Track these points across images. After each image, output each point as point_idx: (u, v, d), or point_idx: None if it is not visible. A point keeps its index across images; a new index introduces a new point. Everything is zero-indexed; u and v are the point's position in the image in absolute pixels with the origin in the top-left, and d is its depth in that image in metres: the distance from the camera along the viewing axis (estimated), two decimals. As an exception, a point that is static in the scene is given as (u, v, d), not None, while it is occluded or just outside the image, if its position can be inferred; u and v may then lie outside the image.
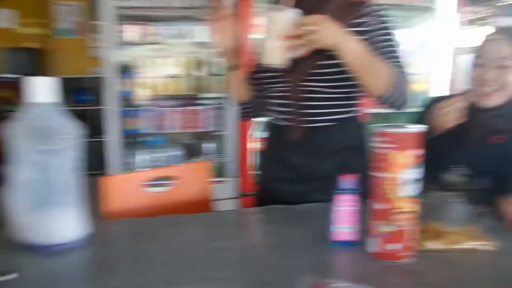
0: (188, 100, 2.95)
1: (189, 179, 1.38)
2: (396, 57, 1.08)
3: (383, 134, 0.78)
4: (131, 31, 2.79)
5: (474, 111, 1.19)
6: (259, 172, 1.35)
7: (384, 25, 1.10)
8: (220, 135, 2.93)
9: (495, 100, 1.18)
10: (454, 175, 1.21)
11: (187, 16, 2.79)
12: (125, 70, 2.78)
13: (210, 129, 2.87)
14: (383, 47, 1.07)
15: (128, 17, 2.72)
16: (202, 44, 2.85)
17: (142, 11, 2.66)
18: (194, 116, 2.83)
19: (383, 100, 1.04)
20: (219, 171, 2.85)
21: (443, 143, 1.24)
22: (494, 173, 1.14)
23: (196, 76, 2.88)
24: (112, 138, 2.59)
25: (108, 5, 2.48)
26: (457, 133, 1.22)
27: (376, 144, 0.80)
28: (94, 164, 2.66)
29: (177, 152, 2.89)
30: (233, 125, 2.73)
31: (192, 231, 0.92)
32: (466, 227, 0.87)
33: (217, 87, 2.84)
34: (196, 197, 1.39)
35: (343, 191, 0.87)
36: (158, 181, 1.32)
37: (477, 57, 1.18)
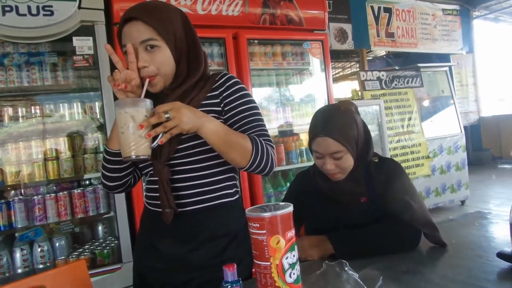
0: (70, 183, 2.68)
1: (63, 286, 1.20)
2: (257, 124, 1.12)
3: (251, 219, 0.77)
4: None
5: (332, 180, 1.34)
6: (135, 262, 1.25)
7: (240, 93, 1.14)
8: (110, 217, 2.69)
9: (340, 178, 1.33)
10: None
11: (62, 91, 2.62)
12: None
13: (99, 211, 2.63)
14: (243, 116, 1.11)
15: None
16: (80, 121, 2.68)
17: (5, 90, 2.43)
18: (78, 200, 2.56)
19: (249, 170, 1.07)
20: (113, 257, 2.59)
21: (321, 208, 1.35)
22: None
23: (78, 155, 2.65)
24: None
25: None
26: (330, 198, 1.35)
27: (251, 229, 0.78)
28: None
29: (60, 242, 2.56)
30: (122, 205, 2.53)
31: None
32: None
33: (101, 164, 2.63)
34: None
35: (229, 284, 0.82)
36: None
37: (314, 150, 1.32)
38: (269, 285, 0.75)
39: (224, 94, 1.12)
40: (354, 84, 5.42)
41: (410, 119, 4.82)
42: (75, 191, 2.58)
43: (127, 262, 2.53)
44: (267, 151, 1.07)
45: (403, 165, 4.61)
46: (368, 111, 4.25)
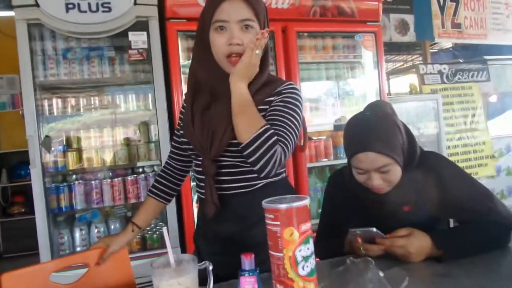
0: (124, 170, 2.86)
1: (104, 265, 1.28)
2: (284, 121, 1.07)
3: (267, 210, 0.77)
4: (61, 103, 2.72)
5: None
6: (196, 247, 1.32)
7: (287, 95, 1.12)
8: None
9: (386, 190, 1.20)
10: None
11: (119, 84, 2.80)
12: (58, 143, 2.69)
13: (149, 198, 2.77)
14: (276, 109, 1.10)
15: (57, 88, 2.69)
16: (136, 112, 2.84)
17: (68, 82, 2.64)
18: (131, 186, 2.72)
19: (245, 154, 1.02)
20: (162, 242, 2.72)
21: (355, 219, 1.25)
22: None
23: (132, 144, 2.81)
24: (40, 217, 2.42)
25: (28, 77, 2.40)
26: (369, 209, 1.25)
27: (266, 220, 0.79)
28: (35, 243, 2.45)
29: (116, 225, 2.74)
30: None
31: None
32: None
33: (153, 154, 2.78)
34: (116, 284, 1.30)
35: (247, 272, 0.84)
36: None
37: (355, 167, 1.19)
38: (282, 276, 0.76)
39: (276, 98, 1.13)
40: (413, 78, 5.15)
41: (474, 115, 4.49)
42: (129, 177, 2.74)
43: (174, 248, 2.64)
44: (272, 145, 1.00)
45: (464, 164, 4.35)
46: (424, 107, 4.03)
